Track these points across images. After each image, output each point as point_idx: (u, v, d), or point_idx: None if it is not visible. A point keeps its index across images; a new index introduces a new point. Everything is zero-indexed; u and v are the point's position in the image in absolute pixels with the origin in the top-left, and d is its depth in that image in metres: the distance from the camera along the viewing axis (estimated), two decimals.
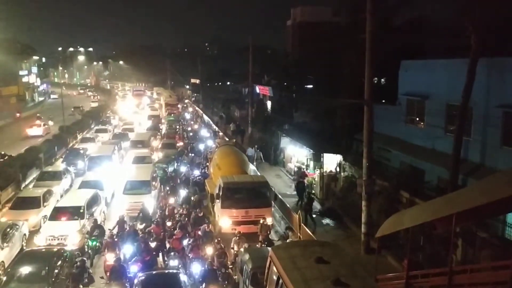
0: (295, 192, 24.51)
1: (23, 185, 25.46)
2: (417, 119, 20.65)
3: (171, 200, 20.91)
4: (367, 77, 16.24)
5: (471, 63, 14.96)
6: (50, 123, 47.74)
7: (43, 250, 15.63)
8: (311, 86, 38.56)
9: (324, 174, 23.53)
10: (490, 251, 12.41)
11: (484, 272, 9.68)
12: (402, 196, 17.48)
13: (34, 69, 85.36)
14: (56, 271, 13.54)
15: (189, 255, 15.30)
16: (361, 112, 17.01)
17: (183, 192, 22.21)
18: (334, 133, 26.33)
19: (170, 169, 27.22)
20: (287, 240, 17.67)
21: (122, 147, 34.07)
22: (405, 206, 16.40)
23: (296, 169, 27.22)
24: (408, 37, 24.79)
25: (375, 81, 21.47)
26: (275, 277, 10.09)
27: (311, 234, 16.76)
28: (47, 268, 13.42)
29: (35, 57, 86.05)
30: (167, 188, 23.24)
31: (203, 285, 13.11)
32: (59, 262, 13.94)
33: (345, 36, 26.34)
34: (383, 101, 23.55)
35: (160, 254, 15.96)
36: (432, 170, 18.25)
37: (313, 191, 24.08)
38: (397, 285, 11.93)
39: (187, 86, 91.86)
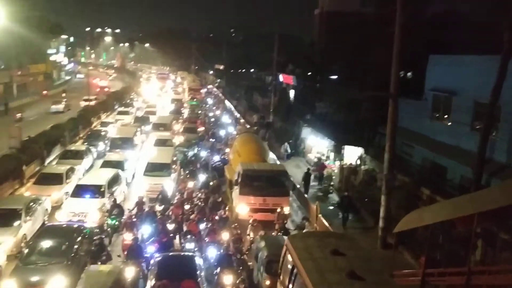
0: (314, 183, 24.48)
1: (47, 162, 26.01)
2: (443, 115, 20.23)
3: (190, 184, 21.08)
4: (394, 70, 15.96)
5: (503, 60, 14.51)
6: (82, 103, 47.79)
7: (64, 225, 16.01)
8: (335, 76, 38.12)
9: (344, 166, 23.35)
10: (511, 254, 12.16)
11: (504, 275, 9.49)
12: (423, 192, 17.25)
13: (62, 48, 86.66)
14: (76, 247, 13.82)
15: (206, 239, 15.45)
16: (386, 106, 16.75)
17: (202, 177, 22.37)
18: (356, 125, 26.04)
19: (191, 153, 27.43)
20: (304, 230, 17.70)
21: (143, 130, 34.39)
22: (425, 203, 16.18)
23: (315, 160, 27.09)
24: (438, 31, 24.20)
25: (401, 75, 21.06)
26: (290, 266, 10.12)
27: (327, 225, 16.73)
28: (67, 243, 13.74)
29: (64, 36, 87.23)
30: (187, 171, 23.45)
31: (218, 269, 13.23)
32: (79, 239, 14.22)
33: (373, 27, 25.87)
34: (408, 95, 23.14)
35: (177, 236, 16.16)
36: (455, 168, 17.91)
37: (332, 183, 23.98)
38: (413, 281, 11.81)
39: (211, 72, 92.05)
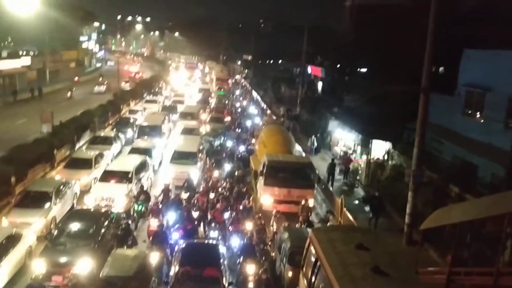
0: (339, 176, 24.30)
1: (77, 147, 26.61)
2: (476, 111, 19.69)
3: (216, 173, 21.23)
4: (426, 64, 15.56)
5: None
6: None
7: (92, 210, 16.40)
8: (365, 69, 37.54)
9: (371, 161, 23.06)
10: None
11: None
12: (452, 190, 16.87)
13: (94, 36, 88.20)
14: (103, 230, 14.17)
15: (229, 228, 15.56)
16: (416, 100, 16.38)
17: (227, 166, 22.49)
18: (385, 119, 25.60)
19: (217, 142, 27.59)
20: (327, 224, 17.61)
21: (171, 119, 34.74)
22: (453, 201, 15.83)
23: (342, 153, 26.84)
24: (473, 25, 23.48)
25: (433, 69, 20.54)
26: (313, 259, 10.09)
27: (352, 220, 16.58)
28: (94, 227, 14.10)
29: (96, 24, 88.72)
30: (213, 161, 23.61)
31: (241, 258, 13.32)
32: (106, 223, 14.57)
33: (405, 20, 25.30)
34: (439, 90, 22.58)
35: (202, 224, 16.32)
36: (487, 166, 17.44)
37: (358, 178, 23.75)
38: (438, 279, 11.59)
39: (239, 62, 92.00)
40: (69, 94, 47.55)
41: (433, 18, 15.14)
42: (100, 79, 58.29)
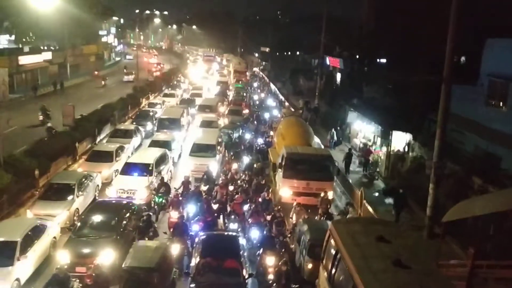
0: (359, 168, 24.16)
1: (98, 140, 27.02)
2: (499, 102, 19.28)
3: (234, 166, 21.30)
4: (448, 54, 15.30)
5: None
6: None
7: (114, 201, 16.61)
8: (384, 60, 37.05)
9: (392, 152, 22.82)
10: None
11: None
12: (474, 182, 16.58)
13: (113, 30, 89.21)
14: (124, 222, 14.38)
15: (249, 220, 15.63)
16: (437, 91, 16.13)
17: (246, 159, 22.54)
18: (405, 111, 25.26)
19: (235, 135, 27.67)
20: (347, 216, 17.53)
21: (189, 112, 34.87)
22: (476, 193, 15.58)
23: (361, 145, 26.63)
24: (495, 14, 22.92)
25: (455, 59, 20.15)
26: (333, 251, 10.07)
27: (372, 212, 16.48)
28: (116, 218, 14.31)
29: (114, 18, 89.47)
30: (231, 153, 23.69)
31: (261, 250, 13.39)
32: (127, 214, 14.79)
33: (425, 10, 24.84)
34: (461, 80, 22.17)
35: (221, 216, 16.43)
36: (511, 157, 17.10)
37: (378, 170, 23.55)
38: (460, 272, 11.48)
39: (257, 54, 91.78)
40: (103, 82, 53.14)
41: (456, 7, 14.84)
42: (125, 70, 62.65)
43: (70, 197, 16.49)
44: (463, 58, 27.35)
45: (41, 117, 30.14)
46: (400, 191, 17.79)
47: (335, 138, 28.54)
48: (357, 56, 40.50)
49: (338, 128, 30.09)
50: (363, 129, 27.63)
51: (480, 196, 13.11)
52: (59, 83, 47.15)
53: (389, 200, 19.84)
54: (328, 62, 49.46)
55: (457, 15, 14.83)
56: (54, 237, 14.31)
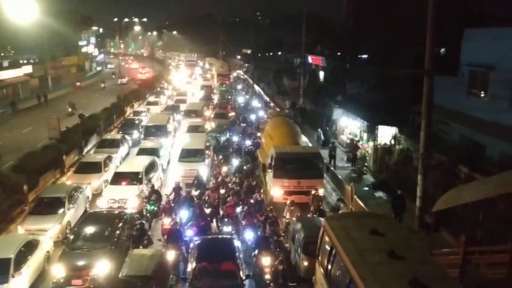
0: (347, 164, 24.40)
1: (85, 151, 26.81)
2: (480, 91, 19.65)
3: (224, 169, 21.34)
4: (428, 46, 15.53)
5: None
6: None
7: (105, 212, 16.57)
8: (366, 56, 37.43)
9: (378, 146, 23.09)
10: None
11: None
12: (461, 171, 16.87)
13: (92, 40, 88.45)
14: (118, 232, 14.32)
15: (242, 222, 15.68)
16: (419, 83, 16.38)
17: (235, 161, 22.59)
18: (389, 104, 25.57)
19: (223, 138, 27.69)
20: (339, 212, 17.70)
21: (175, 118, 34.74)
22: (463, 181, 15.85)
23: (348, 141, 26.88)
24: (472, 4, 23.35)
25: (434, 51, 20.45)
26: (328, 247, 10.18)
27: (363, 206, 16.66)
28: (109, 229, 14.24)
29: (94, 28, 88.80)
30: (220, 157, 23.71)
31: (256, 251, 13.45)
32: (120, 224, 14.73)
33: (405, 2, 25.21)
34: (442, 72, 22.53)
35: (214, 220, 16.46)
36: (495, 145, 17.44)
37: (366, 164, 23.79)
38: (453, 260, 11.70)
39: (239, 57, 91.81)
40: (102, 85, 60.50)
41: (433, 1, 15.10)
42: (113, 76, 70.76)
43: (61, 210, 16.36)
44: (442, 50, 27.80)
45: (69, 109, 39.45)
46: (398, 193, 17.05)
47: (322, 137, 28.67)
48: (339, 53, 40.83)
49: (327, 127, 30.17)
50: (349, 125, 27.88)
51: (467, 184, 13.34)
52: (42, 96, 46.68)
53: (379, 194, 20.11)
54: (310, 61, 49.77)
55: (435, 8, 15.08)
56: (48, 252, 14.20)
